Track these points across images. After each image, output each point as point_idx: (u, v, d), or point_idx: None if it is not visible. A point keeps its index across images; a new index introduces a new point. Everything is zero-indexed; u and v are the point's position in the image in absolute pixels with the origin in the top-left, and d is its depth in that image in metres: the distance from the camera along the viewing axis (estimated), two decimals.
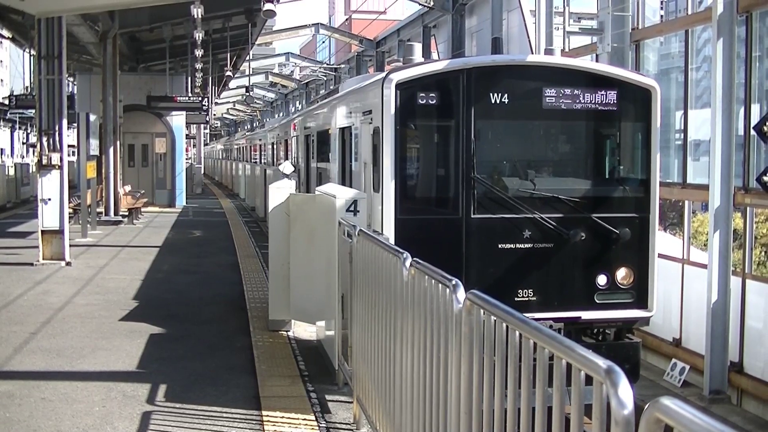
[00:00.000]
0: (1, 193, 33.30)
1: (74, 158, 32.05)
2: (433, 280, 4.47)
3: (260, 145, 34.64)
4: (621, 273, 9.60)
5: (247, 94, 50.44)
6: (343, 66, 43.55)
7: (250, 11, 28.39)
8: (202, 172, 54.54)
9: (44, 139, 16.25)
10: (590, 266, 9.56)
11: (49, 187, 16.11)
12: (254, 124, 67.46)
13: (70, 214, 18.67)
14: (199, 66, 32.11)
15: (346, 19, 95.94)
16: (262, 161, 32.37)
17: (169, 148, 33.93)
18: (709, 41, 13.79)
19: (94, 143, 22.00)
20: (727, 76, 12.46)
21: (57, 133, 16.31)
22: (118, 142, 27.84)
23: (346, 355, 7.47)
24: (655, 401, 2.12)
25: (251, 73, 46.08)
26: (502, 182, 9.54)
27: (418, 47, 11.35)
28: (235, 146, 53.89)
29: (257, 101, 64.28)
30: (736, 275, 12.62)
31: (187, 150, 50.84)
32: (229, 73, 36.65)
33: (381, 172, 9.30)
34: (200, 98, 33.53)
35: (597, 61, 15.69)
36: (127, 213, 26.32)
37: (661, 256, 10.76)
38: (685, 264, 13.96)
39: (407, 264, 5.04)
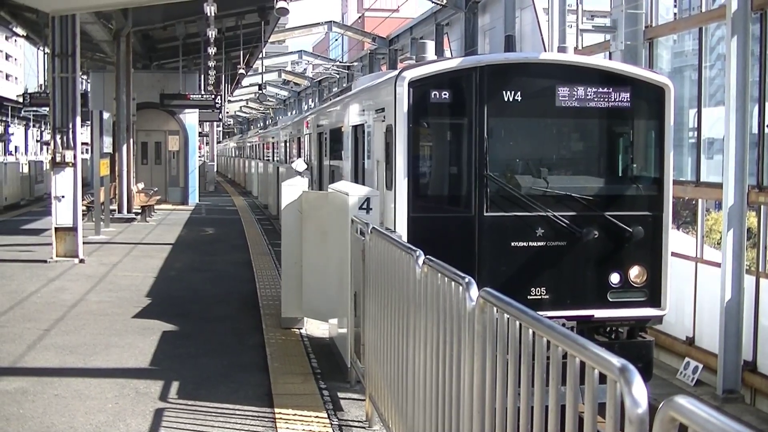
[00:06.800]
0: (15, 190, 33.35)
1: (88, 156, 32.17)
2: (446, 278, 4.46)
3: (273, 143, 34.67)
4: (634, 271, 9.57)
5: (260, 91, 50.52)
6: (355, 64, 43.52)
7: (263, 9, 28.41)
8: (215, 169, 54.69)
9: (58, 137, 16.30)
10: (603, 264, 9.52)
11: (63, 184, 16.16)
12: (267, 122, 67.53)
13: (83, 211, 18.73)
14: (212, 64, 32.14)
15: (359, 17, 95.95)
16: (275, 159, 32.40)
17: (182, 146, 34.02)
18: (723, 39, 13.73)
19: (108, 141, 22.11)
20: (741, 74, 12.40)
21: (71, 131, 16.37)
22: (131, 140, 27.92)
23: (358, 352, 7.47)
24: (669, 400, 2.11)
25: (264, 70, 46.09)
26: (514, 180, 9.52)
27: (430, 45, 11.34)
28: (248, 144, 53.96)
29: (270, 99, 64.32)
30: (750, 274, 12.56)
31: (200, 148, 50.98)
32: (242, 70, 36.67)
33: (394, 169, 9.29)
34: (213, 96, 33.54)
35: (610, 59, 15.63)
36: (140, 210, 26.41)
37: (674, 254, 10.72)
38: (699, 263, 13.89)
39: (420, 262, 5.03)
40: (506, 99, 9.28)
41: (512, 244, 9.30)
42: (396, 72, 9.73)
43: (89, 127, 21.35)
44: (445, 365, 4.49)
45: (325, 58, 63.26)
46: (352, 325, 7.76)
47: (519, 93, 9.31)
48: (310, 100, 54.38)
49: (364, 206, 7.94)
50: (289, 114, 58.20)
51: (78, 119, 16.64)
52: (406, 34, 32.84)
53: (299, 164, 14.08)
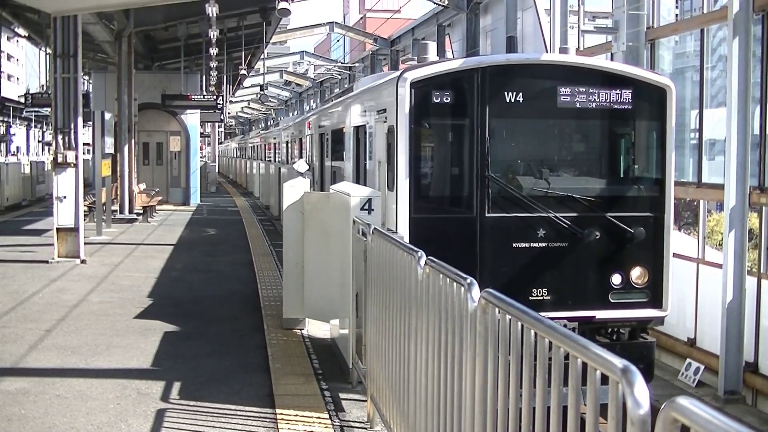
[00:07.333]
0: (17, 191, 33.34)
1: (89, 156, 32.13)
2: (448, 279, 4.46)
3: (274, 144, 34.69)
4: (635, 272, 9.57)
5: (262, 92, 50.48)
6: (357, 65, 43.51)
7: (265, 10, 28.41)
8: (217, 170, 54.69)
9: (60, 137, 16.31)
10: (605, 265, 9.53)
11: (65, 185, 16.17)
12: (268, 123, 67.51)
13: (85, 212, 18.72)
14: (213, 64, 32.13)
15: (361, 18, 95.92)
16: (277, 159, 32.40)
17: (184, 147, 34.02)
18: (725, 40, 13.71)
19: (109, 141, 22.09)
20: (743, 75, 12.39)
21: (72, 132, 16.37)
22: (132, 141, 27.92)
23: (360, 353, 7.47)
24: (671, 401, 2.11)
25: (266, 71, 46.06)
26: (516, 181, 9.52)
27: (432, 46, 11.34)
28: (250, 145, 53.99)
29: (272, 100, 64.30)
30: (752, 275, 12.55)
31: (201, 148, 50.97)
32: (243, 71, 36.68)
33: (395, 170, 9.29)
34: (215, 97, 33.56)
35: (612, 59, 15.63)
36: (141, 211, 26.39)
37: (675, 255, 10.71)
38: (700, 264, 13.88)
39: (422, 263, 5.03)
40: (508, 100, 9.28)
41: (514, 245, 9.30)
42: (398, 73, 9.73)
43: (91, 128, 21.31)
44: (446, 366, 4.49)
45: (327, 59, 63.25)
46: (353, 326, 7.76)
47: (521, 94, 9.31)
48: (312, 101, 54.40)
49: (366, 207, 7.94)
50: (290, 115, 58.17)
51: (80, 120, 16.64)
52: (408, 35, 32.86)
53: (301, 165, 14.09)
